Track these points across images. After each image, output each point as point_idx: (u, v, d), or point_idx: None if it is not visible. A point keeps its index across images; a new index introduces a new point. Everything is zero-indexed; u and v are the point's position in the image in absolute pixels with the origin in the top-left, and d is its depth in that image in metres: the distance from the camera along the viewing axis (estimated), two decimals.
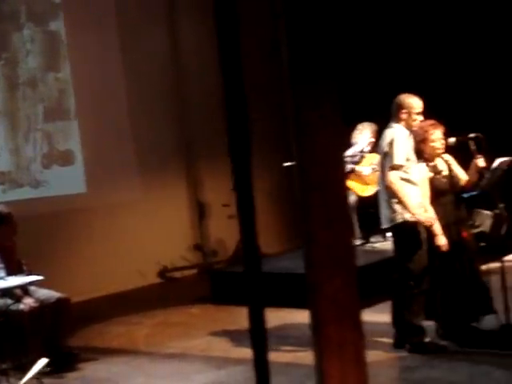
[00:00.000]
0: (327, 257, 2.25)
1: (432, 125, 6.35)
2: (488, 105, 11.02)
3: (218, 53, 2.03)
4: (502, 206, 6.34)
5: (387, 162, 6.21)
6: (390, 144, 6.22)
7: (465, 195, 6.41)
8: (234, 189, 2.26)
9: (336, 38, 2.37)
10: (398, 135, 6.23)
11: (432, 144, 6.35)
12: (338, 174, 2.26)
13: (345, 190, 2.32)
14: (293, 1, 2.24)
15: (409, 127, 6.29)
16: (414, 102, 6.28)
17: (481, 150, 6.35)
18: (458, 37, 11.39)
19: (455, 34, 11.41)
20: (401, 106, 6.29)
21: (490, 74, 11.29)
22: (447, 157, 6.51)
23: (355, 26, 11.96)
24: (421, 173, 6.26)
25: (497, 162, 6.27)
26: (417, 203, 6.11)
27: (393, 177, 6.11)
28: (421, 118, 6.30)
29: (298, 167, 2.24)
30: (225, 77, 2.05)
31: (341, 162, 2.35)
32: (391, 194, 6.21)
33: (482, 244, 6.37)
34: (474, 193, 6.36)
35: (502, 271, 6.40)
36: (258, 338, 2.12)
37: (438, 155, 6.40)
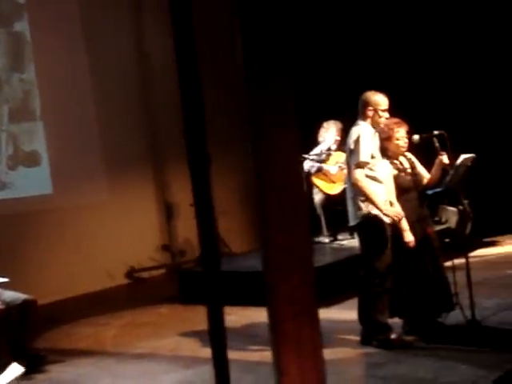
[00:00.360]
0: (284, 257, 2.26)
1: (397, 123, 6.39)
2: (451, 102, 11.13)
3: (175, 55, 2.03)
4: (466, 202, 6.40)
5: (353, 160, 6.23)
6: (356, 141, 6.23)
7: (429, 192, 6.46)
8: (192, 190, 2.27)
9: (292, 38, 2.38)
10: (364, 133, 6.25)
11: (396, 142, 6.40)
12: (295, 175, 2.27)
13: (303, 192, 2.34)
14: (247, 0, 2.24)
15: (375, 124, 6.30)
16: (380, 99, 6.30)
17: (445, 148, 6.41)
18: (421, 34, 11.47)
19: (418, 32, 11.50)
20: (367, 104, 6.30)
21: (454, 72, 11.39)
22: (410, 155, 6.56)
23: (321, 24, 12.00)
24: (385, 170, 6.30)
25: (460, 158, 6.33)
26: (383, 200, 6.15)
27: (358, 174, 6.14)
28: (386, 115, 6.31)
29: (254, 169, 2.25)
30: (181, 80, 2.05)
31: (297, 163, 2.36)
32: (357, 191, 6.23)
33: (447, 240, 6.41)
34: (439, 189, 6.41)
35: (467, 267, 6.47)
36: (217, 336, 2.12)
37: (402, 153, 6.45)
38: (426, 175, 6.48)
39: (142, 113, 11.38)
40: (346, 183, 9.97)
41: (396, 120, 6.42)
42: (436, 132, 6.34)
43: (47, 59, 10.30)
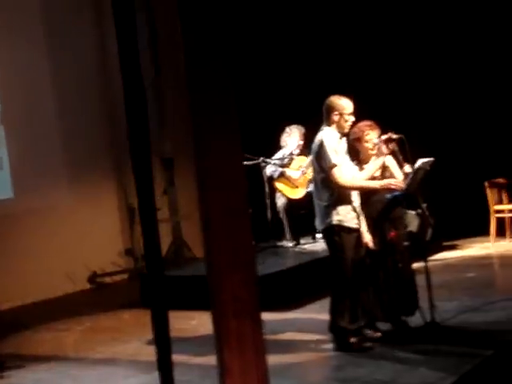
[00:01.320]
0: (227, 256, 2.28)
1: (369, 125, 6.43)
2: (409, 105, 11.22)
3: (119, 56, 2.03)
4: (424, 205, 6.45)
5: (323, 164, 6.22)
6: (320, 146, 6.26)
7: (388, 196, 6.50)
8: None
9: (235, 43, 2.39)
10: (326, 137, 6.26)
11: (366, 144, 6.45)
12: (238, 179, 2.28)
13: (245, 194, 2.35)
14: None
15: (341, 129, 6.30)
16: (345, 104, 6.29)
17: (404, 151, 6.46)
18: (380, 38, 11.55)
19: (381, 34, 11.57)
20: (332, 108, 6.29)
21: (414, 75, 11.48)
22: (389, 159, 6.59)
23: (285, 28, 12.03)
24: (351, 174, 6.32)
25: (419, 162, 6.37)
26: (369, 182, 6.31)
27: (338, 174, 6.16)
28: (352, 118, 6.31)
29: (197, 168, 2.26)
30: (125, 85, 2.06)
31: (240, 167, 2.37)
32: (321, 196, 6.30)
33: (406, 243, 6.45)
34: (397, 193, 6.45)
35: (427, 270, 6.53)
36: (162, 341, 2.12)
37: (371, 156, 6.48)
38: (399, 177, 6.53)
39: (104, 116, 11.32)
40: (310, 188, 10.08)
41: (368, 123, 6.46)
42: (395, 136, 6.37)
43: (8, 62, 10.21)
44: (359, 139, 6.45)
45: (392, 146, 6.39)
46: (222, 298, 2.30)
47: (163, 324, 2.13)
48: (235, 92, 2.48)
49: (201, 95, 2.28)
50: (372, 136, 6.42)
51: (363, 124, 6.40)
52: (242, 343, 2.31)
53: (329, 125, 6.32)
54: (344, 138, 6.38)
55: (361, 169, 6.45)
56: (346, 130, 6.35)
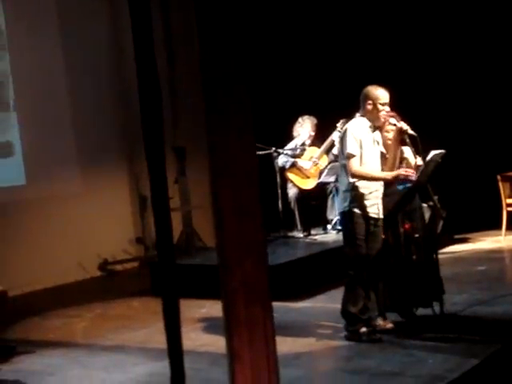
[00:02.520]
0: (238, 242, 2.29)
1: (393, 115, 6.43)
2: (423, 98, 11.20)
3: (134, 49, 2.04)
4: (435, 198, 6.44)
5: (343, 152, 6.31)
6: (344, 133, 6.34)
7: (399, 187, 6.51)
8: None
9: (251, 42, 2.39)
10: (352, 125, 6.32)
11: (386, 134, 6.49)
12: (248, 161, 2.29)
13: (256, 181, 2.36)
14: None
15: (373, 118, 6.30)
16: (380, 93, 6.28)
17: (416, 149, 6.45)
18: (398, 31, 11.53)
19: (396, 28, 11.56)
20: (366, 97, 6.30)
21: (427, 67, 11.47)
22: (407, 151, 6.61)
23: (302, 22, 12.03)
24: (374, 163, 6.33)
25: (431, 154, 6.37)
26: (381, 173, 6.33)
27: (351, 164, 6.20)
28: (387, 108, 6.29)
29: (209, 155, 2.27)
30: (139, 75, 2.06)
31: (251, 149, 2.37)
32: (341, 181, 6.40)
33: (417, 235, 6.45)
34: (409, 185, 6.45)
35: (437, 263, 6.54)
36: (172, 328, 2.14)
37: (390, 146, 6.49)
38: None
39: (117, 105, 11.34)
40: (321, 178, 10.09)
41: (393, 113, 6.46)
42: (410, 131, 6.35)
43: (22, 49, 10.24)
44: (380, 128, 6.45)
45: (404, 137, 6.37)
46: (233, 285, 2.31)
47: (174, 313, 2.14)
48: (253, 85, 2.49)
49: (216, 94, 2.28)
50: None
51: (388, 114, 6.39)
52: (253, 331, 2.32)
53: (363, 114, 6.35)
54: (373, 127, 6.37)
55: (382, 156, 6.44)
56: (380, 120, 6.33)
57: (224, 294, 2.32)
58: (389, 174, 6.30)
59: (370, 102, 6.28)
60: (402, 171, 6.31)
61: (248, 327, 2.31)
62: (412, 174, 6.30)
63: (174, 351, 2.13)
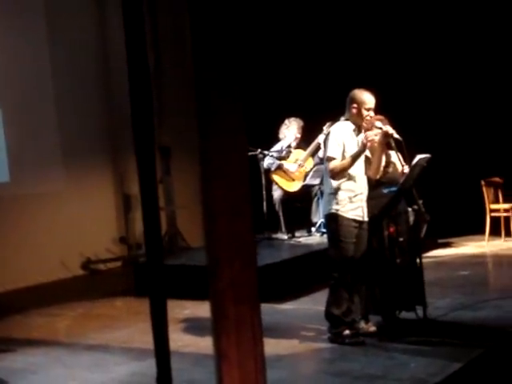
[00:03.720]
0: (227, 241, 2.29)
1: (379, 119, 6.43)
2: (408, 103, 11.24)
3: (126, 45, 2.04)
4: (420, 202, 6.46)
5: (324, 155, 6.37)
6: (327, 136, 6.36)
7: (384, 190, 6.52)
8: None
9: (243, 44, 2.39)
10: (335, 129, 6.34)
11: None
12: (240, 161, 2.29)
13: (247, 180, 2.36)
14: None
15: (358, 122, 6.30)
16: (366, 97, 6.28)
17: (402, 153, 6.47)
18: (383, 34, 11.57)
19: (381, 32, 11.59)
20: (352, 101, 6.31)
21: (412, 72, 11.51)
22: (394, 155, 6.62)
23: (290, 23, 12.04)
24: (358, 167, 6.32)
25: (416, 158, 6.39)
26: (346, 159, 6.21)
27: (330, 168, 6.22)
28: (372, 113, 6.30)
29: (200, 155, 2.27)
30: (130, 73, 2.06)
31: (243, 150, 2.37)
32: (326, 184, 6.39)
33: (401, 239, 6.46)
34: (393, 188, 6.47)
35: (421, 267, 6.56)
36: (160, 329, 2.13)
37: (376, 149, 6.48)
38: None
39: (102, 102, 11.31)
40: (306, 181, 10.10)
41: (380, 117, 6.47)
42: (396, 135, 6.36)
43: (8, 48, 10.18)
44: (367, 131, 6.45)
45: (389, 141, 6.39)
46: (222, 285, 2.30)
47: (161, 313, 2.13)
48: (245, 86, 2.49)
49: (208, 90, 2.28)
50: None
51: (374, 117, 6.39)
52: (241, 331, 2.31)
53: (347, 117, 6.35)
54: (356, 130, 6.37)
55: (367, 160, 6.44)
56: (364, 124, 6.33)
57: (212, 294, 2.32)
58: (359, 150, 6.20)
59: (355, 105, 6.29)
60: (368, 136, 6.19)
61: (236, 327, 2.31)
62: (375, 136, 6.23)
63: (161, 351, 2.12)
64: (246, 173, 2.33)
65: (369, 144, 6.13)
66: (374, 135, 6.15)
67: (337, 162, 6.18)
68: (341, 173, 6.19)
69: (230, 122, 2.28)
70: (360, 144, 6.18)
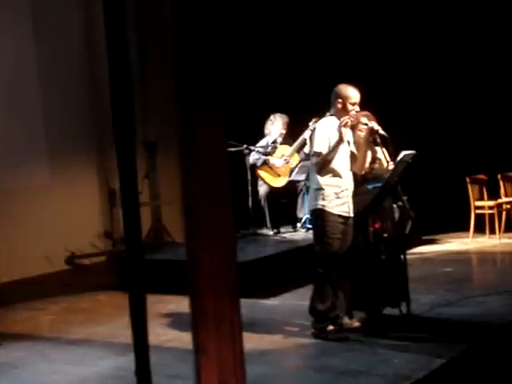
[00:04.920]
0: (207, 234, 2.28)
1: (365, 115, 6.43)
2: (393, 99, 11.25)
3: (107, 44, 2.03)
4: (405, 198, 6.47)
5: (310, 150, 6.38)
6: (312, 132, 6.37)
7: (369, 186, 6.53)
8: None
9: (225, 40, 2.39)
10: (321, 124, 6.35)
11: (359, 133, 6.48)
12: (219, 155, 2.29)
13: (227, 172, 2.35)
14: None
15: (342, 117, 6.24)
16: (350, 92, 6.27)
17: (386, 149, 6.49)
18: (369, 31, 11.57)
19: (366, 28, 11.60)
20: (337, 96, 6.30)
21: (398, 70, 11.53)
22: (380, 152, 6.62)
23: (276, 19, 12.03)
24: (344, 163, 6.31)
25: (401, 154, 6.40)
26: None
27: (313, 163, 6.26)
28: (357, 108, 6.29)
29: (181, 149, 2.26)
30: (111, 67, 2.05)
31: (223, 144, 2.37)
32: (312, 180, 6.39)
33: (385, 235, 6.47)
34: (378, 184, 6.48)
35: (405, 263, 6.57)
36: (139, 324, 2.12)
37: (363, 144, 6.48)
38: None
39: (87, 97, 11.26)
40: (292, 177, 10.11)
41: (365, 112, 6.47)
42: (381, 132, 6.37)
43: None
44: (353, 127, 6.45)
45: (375, 137, 6.39)
46: (201, 277, 2.29)
47: (141, 307, 2.12)
48: (225, 80, 2.48)
49: (188, 82, 2.27)
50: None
51: (360, 113, 6.39)
52: (219, 323, 2.31)
53: (333, 112, 6.34)
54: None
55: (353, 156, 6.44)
56: (350, 119, 6.30)
57: (192, 286, 2.32)
58: (336, 141, 6.19)
59: (340, 100, 6.28)
60: (342, 120, 6.19)
61: (215, 320, 2.30)
62: (353, 116, 6.23)
63: (140, 344, 2.11)
64: (226, 166, 2.33)
65: (346, 127, 6.13)
66: (348, 118, 6.13)
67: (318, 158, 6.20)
68: (324, 165, 6.19)
69: (210, 116, 2.27)
70: (338, 134, 6.17)
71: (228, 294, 2.34)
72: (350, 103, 6.25)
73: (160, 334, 6.66)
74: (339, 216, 6.22)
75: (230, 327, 2.33)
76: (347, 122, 6.12)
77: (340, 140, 6.14)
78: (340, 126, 6.12)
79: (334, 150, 6.16)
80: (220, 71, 2.36)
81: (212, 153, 2.26)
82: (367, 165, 6.57)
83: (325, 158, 6.17)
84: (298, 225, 10.29)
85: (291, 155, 10.19)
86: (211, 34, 2.30)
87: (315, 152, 6.22)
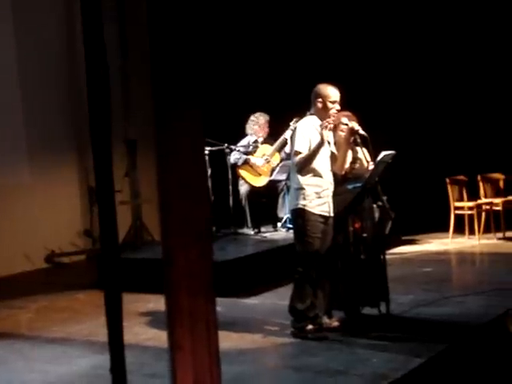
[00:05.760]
0: (183, 230, 2.28)
1: (346, 115, 6.44)
2: (373, 99, 11.29)
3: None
4: (384, 198, 6.48)
5: (291, 150, 6.38)
6: (294, 131, 6.38)
7: (349, 186, 6.55)
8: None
9: (202, 30, 2.38)
10: (302, 124, 6.35)
11: (340, 133, 6.49)
12: (196, 153, 2.28)
13: (204, 169, 2.35)
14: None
15: (322, 116, 6.27)
16: (330, 92, 6.28)
17: (367, 149, 6.50)
18: (349, 30, 11.60)
19: (347, 27, 11.63)
20: (317, 95, 6.31)
21: (378, 70, 11.57)
22: (360, 152, 6.63)
23: (250, 16, 12.03)
24: (325, 163, 6.32)
25: (381, 155, 6.42)
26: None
27: (295, 162, 6.27)
28: (337, 107, 6.29)
29: (157, 146, 2.26)
30: (87, 65, 2.04)
31: (200, 142, 2.37)
32: (293, 179, 6.39)
33: (365, 235, 6.48)
34: (358, 184, 6.49)
35: (384, 263, 6.59)
36: (114, 322, 2.12)
37: (343, 145, 6.49)
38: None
39: (68, 97, 11.21)
40: (272, 176, 10.12)
41: (346, 113, 6.48)
42: (362, 132, 6.39)
43: None
44: (334, 127, 6.46)
45: (355, 137, 6.41)
46: (176, 275, 2.29)
47: (116, 307, 2.12)
48: (202, 78, 2.48)
49: (165, 79, 2.27)
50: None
51: (341, 113, 6.40)
52: (195, 321, 2.31)
53: (313, 112, 6.35)
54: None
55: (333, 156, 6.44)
56: (330, 119, 6.31)
57: (167, 284, 2.31)
58: (319, 142, 6.18)
59: (320, 100, 6.29)
60: (324, 122, 6.21)
61: (190, 318, 2.30)
62: (334, 116, 6.26)
63: (115, 343, 2.11)
64: (202, 164, 2.33)
65: (328, 129, 6.13)
66: (328, 122, 6.14)
67: (303, 155, 6.21)
68: (305, 165, 6.20)
69: (186, 114, 2.27)
70: (319, 135, 6.18)
71: (203, 292, 2.33)
72: (330, 102, 6.26)
73: (139, 333, 6.66)
74: (320, 216, 6.23)
75: (206, 325, 2.33)
76: (327, 126, 6.12)
77: (321, 142, 6.15)
78: (322, 129, 6.13)
79: (315, 151, 6.17)
80: (197, 68, 2.35)
81: (188, 150, 2.26)
82: (347, 165, 6.58)
83: (306, 158, 6.18)
84: (279, 224, 10.30)
85: (272, 155, 10.20)
86: (187, 31, 2.30)
87: (296, 151, 6.24)
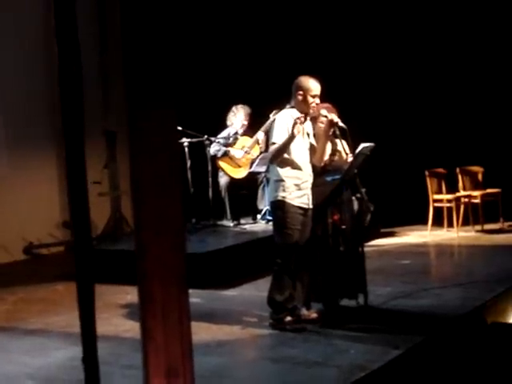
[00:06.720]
0: (155, 221, 2.27)
1: (326, 107, 6.44)
2: (352, 91, 11.30)
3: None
4: (363, 190, 6.49)
5: (269, 142, 6.38)
6: (271, 124, 6.39)
7: (328, 178, 6.55)
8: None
9: (179, 22, 2.37)
10: (280, 116, 6.34)
11: (319, 124, 6.48)
12: (169, 145, 2.28)
13: (177, 160, 2.34)
14: None
15: (303, 109, 6.27)
16: (311, 84, 6.27)
17: (346, 141, 6.50)
18: (328, 24, 11.61)
19: (328, 20, 11.63)
20: (297, 88, 6.30)
21: (358, 63, 11.59)
22: (339, 144, 6.62)
23: (233, 12, 12.01)
24: (303, 155, 6.32)
25: (360, 147, 6.42)
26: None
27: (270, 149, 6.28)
28: (317, 100, 6.29)
29: (130, 138, 2.25)
30: (60, 59, 2.02)
31: (173, 134, 2.36)
32: (271, 171, 6.40)
33: (344, 227, 6.49)
34: (337, 176, 6.50)
35: (363, 255, 6.61)
36: (87, 313, 2.11)
37: (323, 136, 6.49)
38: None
39: (46, 84, 11.12)
40: (252, 168, 10.11)
41: (326, 105, 6.48)
42: (341, 124, 6.39)
43: None
44: (313, 119, 6.46)
45: (334, 129, 6.40)
46: (148, 265, 2.28)
47: (88, 298, 2.11)
48: (179, 69, 2.47)
49: (136, 70, 2.26)
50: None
51: (321, 105, 6.40)
52: (167, 311, 2.30)
53: (293, 104, 6.34)
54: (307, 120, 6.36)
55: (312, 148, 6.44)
56: (309, 111, 6.32)
57: (140, 275, 2.31)
58: (289, 136, 6.13)
59: (300, 92, 6.29)
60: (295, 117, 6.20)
61: (163, 308, 2.30)
62: (313, 109, 6.27)
63: (88, 334, 2.10)
64: (175, 156, 2.32)
65: (299, 123, 6.12)
66: (301, 117, 6.13)
67: (275, 146, 6.21)
68: (277, 156, 6.20)
69: (159, 107, 2.26)
70: (290, 130, 6.16)
71: (176, 283, 2.33)
72: (311, 95, 6.26)
73: (118, 325, 6.64)
74: (299, 207, 6.24)
75: (178, 315, 2.32)
76: (296, 122, 6.08)
77: (292, 136, 6.12)
78: (293, 124, 6.09)
79: (285, 144, 6.15)
80: (171, 69, 2.34)
81: (161, 142, 2.25)
82: (327, 157, 6.59)
83: (277, 149, 6.17)
84: (258, 216, 10.31)
85: (252, 147, 10.19)
86: (162, 30, 2.29)
87: (273, 143, 6.23)
